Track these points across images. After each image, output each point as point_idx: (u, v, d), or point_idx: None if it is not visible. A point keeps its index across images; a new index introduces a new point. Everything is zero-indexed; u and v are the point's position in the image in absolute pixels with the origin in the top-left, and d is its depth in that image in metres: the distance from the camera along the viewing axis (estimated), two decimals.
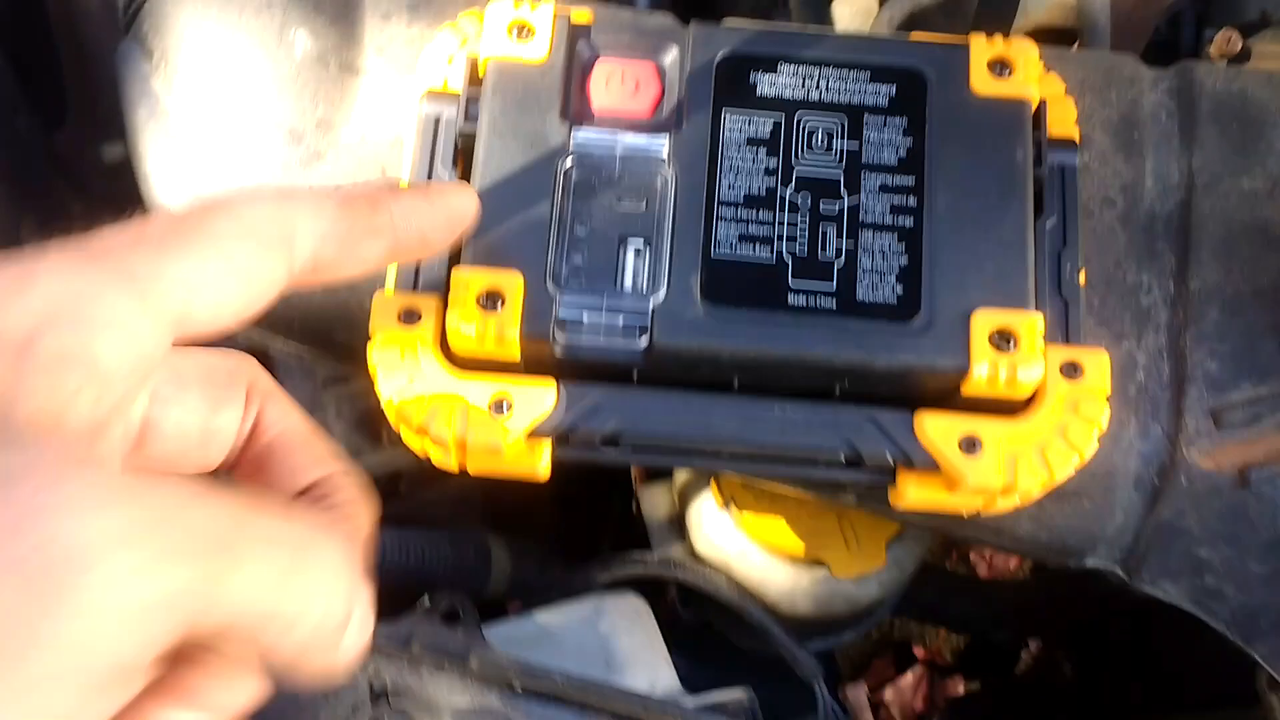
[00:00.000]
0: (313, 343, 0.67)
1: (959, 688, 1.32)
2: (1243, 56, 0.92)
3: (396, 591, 0.88)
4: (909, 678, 1.40)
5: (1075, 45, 0.87)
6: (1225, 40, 0.91)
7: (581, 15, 0.60)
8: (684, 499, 0.82)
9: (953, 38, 0.60)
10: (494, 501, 0.96)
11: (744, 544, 0.76)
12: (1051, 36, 0.88)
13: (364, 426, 0.86)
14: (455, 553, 0.89)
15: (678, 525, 0.83)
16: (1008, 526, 0.62)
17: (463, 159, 0.58)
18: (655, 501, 0.84)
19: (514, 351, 0.54)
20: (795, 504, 0.74)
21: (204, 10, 0.65)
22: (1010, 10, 0.87)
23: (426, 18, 0.67)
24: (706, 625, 0.85)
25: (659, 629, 0.75)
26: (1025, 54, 0.58)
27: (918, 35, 0.61)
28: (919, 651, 1.38)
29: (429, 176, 0.58)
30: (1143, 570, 0.63)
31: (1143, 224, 0.64)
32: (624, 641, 0.72)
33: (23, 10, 0.93)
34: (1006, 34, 0.88)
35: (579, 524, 0.95)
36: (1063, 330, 0.56)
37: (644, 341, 0.54)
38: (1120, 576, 0.63)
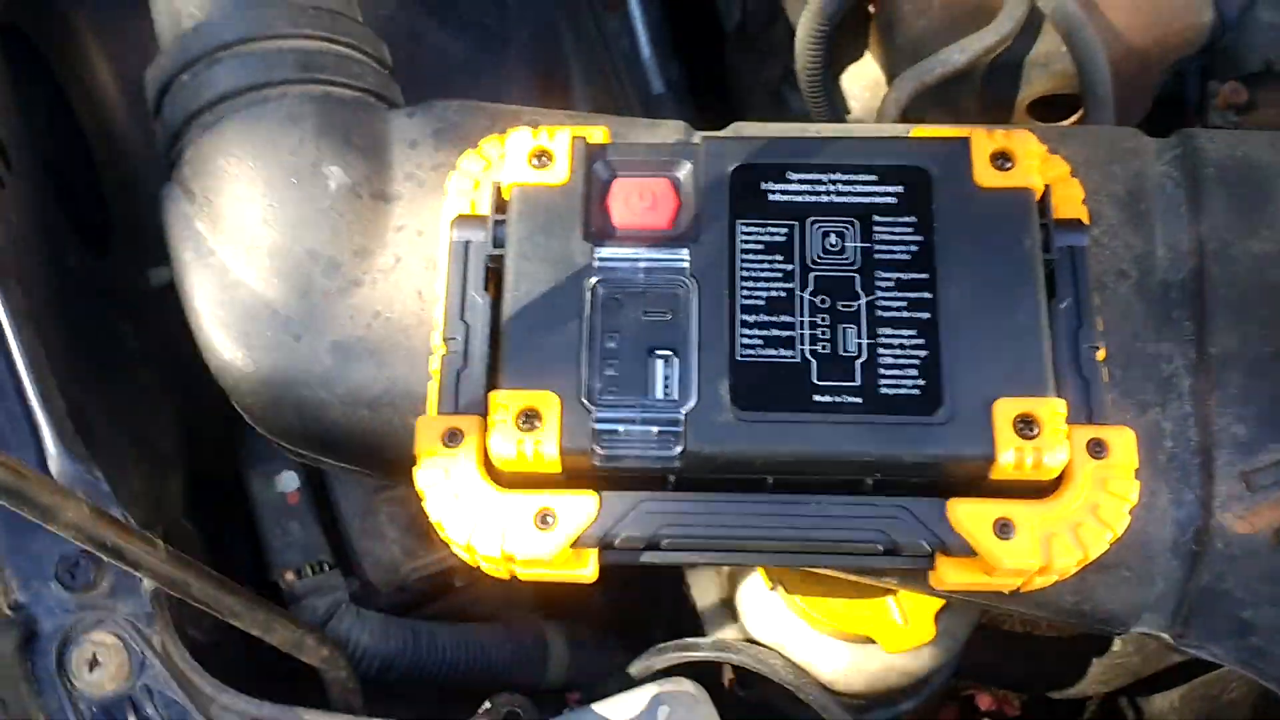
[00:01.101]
0: (361, 462, 0.70)
1: None
2: (1248, 107, 0.94)
3: (459, 687, 0.91)
4: None
5: (1079, 112, 0.89)
6: (1231, 92, 0.93)
7: (599, 134, 0.63)
8: (732, 581, 0.83)
9: (954, 130, 0.62)
10: (546, 589, 0.98)
11: (795, 624, 0.78)
12: (1054, 104, 0.91)
13: (416, 529, 0.89)
14: (514, 645, 0.91)
15: (728, 607, 0.84)
16: (1050, 599, 0.63)
17: (494, 280, 0.61)
18: (704, 585, 0.85)
19: (554, 467, 0.56)
20: (843, 582, 0.76)
21: (241, 152, 0.68)
22: (1012, 83, 0.89)
23: (452, 141, 0.71)
24: (764, 704, 0.86)
25: (716, 713, 0.76)
26: (1025, 145, 0.60)
27: (920, 130, 0.63)
28: (984, 701, 1.37)
29: (462, 300, 0.61)
30: (1189, 634, 0.63)
31: (1158, 294, 0.65)
32: None
33: (68, 147, 0.97)
34: (1011, 105, 0.91)
35: (632, 608, 0.97)
36: (1085, 409, 0.57)
37: (678, 449, 0.56)
38: (1168, 641, 0.64)
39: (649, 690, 0.76)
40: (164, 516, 0.83)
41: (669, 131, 0.71)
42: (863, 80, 1.07)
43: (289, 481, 0.87)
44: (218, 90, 0.69)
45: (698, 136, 0.71)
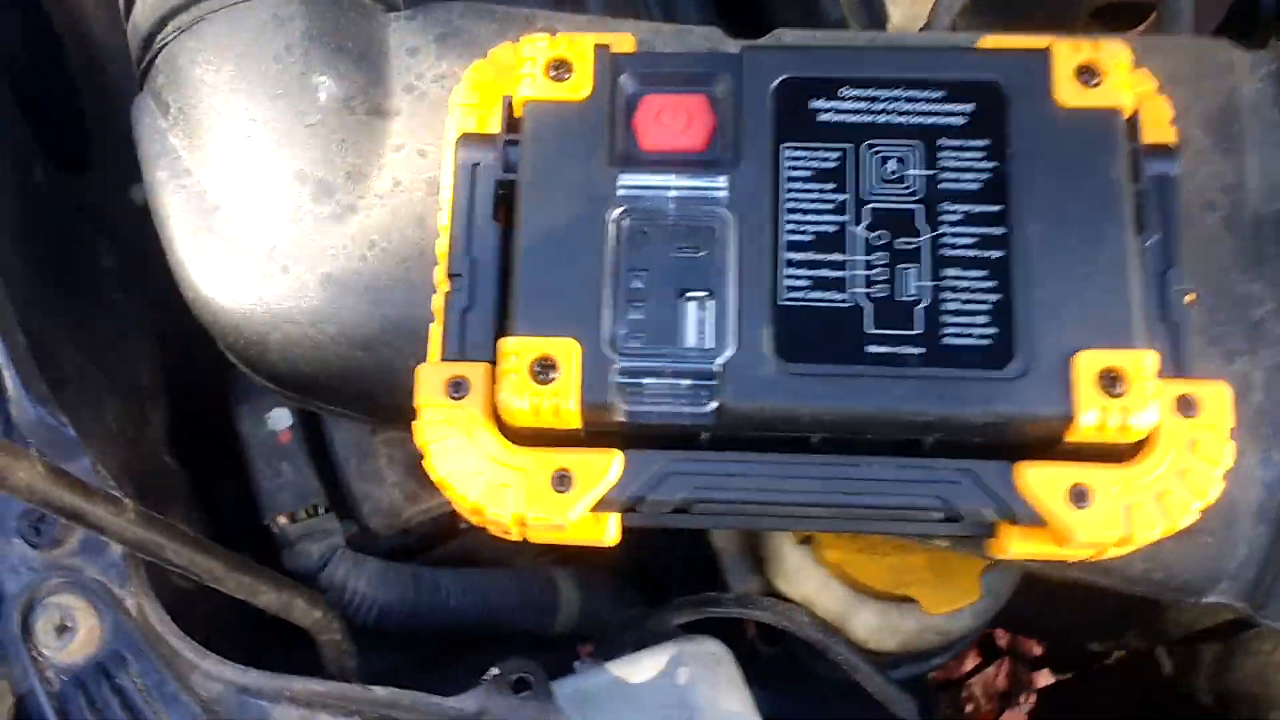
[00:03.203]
0: (356, 407, 0.64)
1: (1047, 680, 1.27)
2: None
3: (463, 635, 0.86)
4: (994, 672, 1.36)
5: (1151, 18, 0.81)
6: None
7: (624, 43, 0.55)
8: (758, 532, 0.77)
9: (1032, 40, 0.54)
10: None
11: (826, 580, 0.72)
12: (1120, 11, 0.82)
13: (417, 471, 0.83)
14: (522, 591, 0.86)
15: (752, 556, 0.78)
16: (1117, 566, 0.57)
17: (505, 207, 0.54)
18: (728, 534, 0.80)
19: (573, 422, 0.50)
20: (879, 539, 0.70)
21: (221, 60, 0.61)
22: None
23: (457, 49, 0.63)
24: (790, 658, 0.81)
25: (740, 673, 0.71)
26: (1115, 58, 0.52)
27: (991, 39, 0.56)
28: (1003, 639, 1.33)
29: (469, 230, 0.54)
30: (1269, 605, 0.58)
31: (1249, 228, 0.58)
32: (706, 694, 0.68)
33: (40, 56, 0.89)
34: (1074, 12, 0.83)
35: (647, 554, 0.91)
36: (1174, 361, 0.51)
37: (714, 405, 0.49)
38: (1245, 612, 0.58)
39: (669, 649, 0.71)
40: (144, 454, 0.77)
41: (700, 39, 0.63)
42: None
43: (281, 419, 0.81)
44: None
45: (735, 45, 0.63)
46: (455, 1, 0.65)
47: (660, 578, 0.89)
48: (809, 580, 0.73)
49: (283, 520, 0.80)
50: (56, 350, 0.66)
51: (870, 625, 0.72)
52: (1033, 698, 1.28)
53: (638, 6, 1.08)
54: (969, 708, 1.33)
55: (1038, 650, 1.26)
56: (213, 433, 0.85)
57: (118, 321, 0.80)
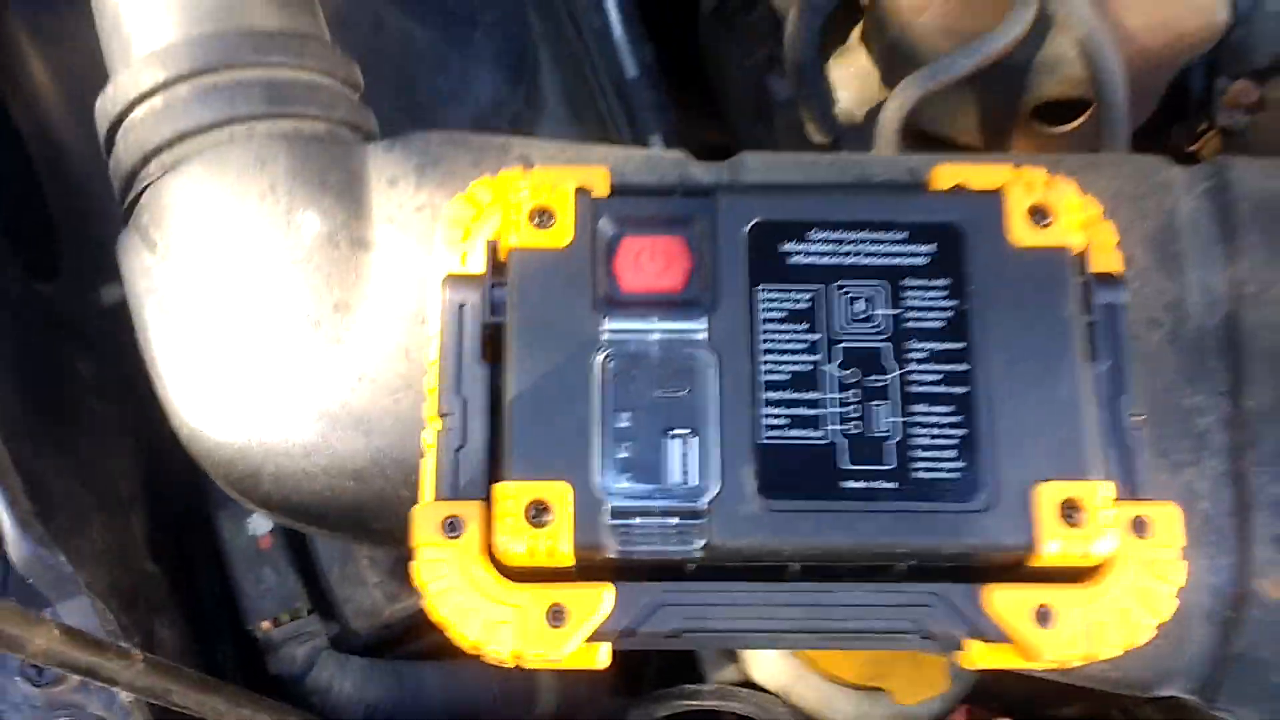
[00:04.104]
0: (347, 532, 0.65)
1: None
2: (1257, 106, 0.90)
3: None
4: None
5: (1084, 115, 0.85)
6: (1240, 91, 0.89)
7: (599, 180, 0.58)
8: None
9: (988, 173, 0.57)
10: None
11: (801, 672, 0.75)
12: (1060, 107, 0.87)
13: (398, 572, 0.85)
14: (500, 682, 0.87)
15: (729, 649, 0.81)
16: (1078, 668, 0.61)
17: (490, 345, 0.56)
18: None
19: (567, 562, 0.52)
20: None
21: (206, 200, 0.62)
22: (1018, 87, 0.85)
23: (434, 179, 0.65)
24: None
25: None
26: (1064, 199, 0.55)
27: (946, 169, 0.59)
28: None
29: (458, 371, 0.56)
30: (1218, 698, 0.61)
31: (1191, 342, 0.62)
32: None
33: (9, 164, 0.90)
34: (1016, 109, 0.87)
35: None
36: (1129, 484, 0.54)
37: (702, 541, 0.52)
38: (1195, 703, 0.62)
39: None
40: (128, 566, 0.78)
41: (670, 166, 0.66)
42: (853, 68, 1.02)
43: (261, 524, 0.82)
44: (177, 127, 0.63)
45: (702, 169, 0.66)
46: (432, 132, 0.67)
47: (638, 667, 0.91)
48: (785, 671, 0.76)
49: (266, 625, 0.81)
50: (44, 478, 0.67)
51: (845, 715, 0.75)
52: None
53: (599, 107, 1.12)
54: None
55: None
56: (194, 534, 0.86)
57: (98, 433, 0.81)
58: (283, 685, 0.81)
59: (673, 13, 1.20)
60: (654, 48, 1.23)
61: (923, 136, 0.95)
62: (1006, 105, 0.87)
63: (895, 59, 0.91)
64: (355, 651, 0.83)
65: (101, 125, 0.66)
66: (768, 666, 0.76)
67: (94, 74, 0.68)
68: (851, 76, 1.03)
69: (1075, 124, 0.87)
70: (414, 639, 0.89)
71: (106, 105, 0.65)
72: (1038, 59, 0.83)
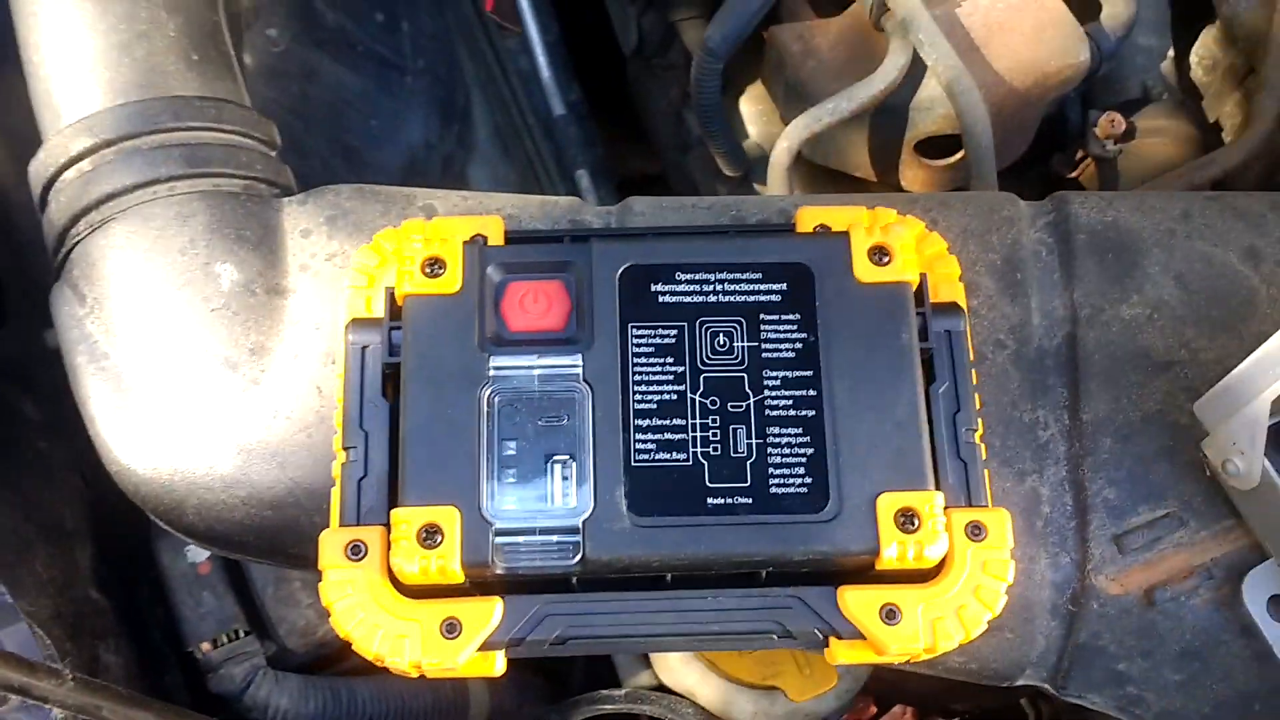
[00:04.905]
0: (267, 557, 0.71)
1: None
2: (1128, 135, 0.97)
3: None
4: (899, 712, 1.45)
5: (962, 151, 0.92)
6: (1109, 123, 0.96)
7: (494, 229, 0.63)
8: None
9: (842, 215, 0.63)
10: None
11: (704, 673, 0.80)
12: (941, 143, 0.93)
13: None
14: (433, 694, 0.92)
15: (643, 655, 0.87)
16: (940, 660, 0.66)
17: (391, 385, 0.62)
18: None
19: (457, 579, 0.58)
20: None
21: (131, 256, 0.68)
22: (899, 125, 0.91)
23: (345, 229, 0.71)
24: None
25: None
26: (902, 239, 0.62)
27: (809, 212, 0.64)
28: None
29: (361, 406, 0.61)
30: (1069, 685, 0.67)
31: (1033, 362, 0.68)
32: None
33: None
34: (899, 145, 0.93)
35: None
36: (965, 492, 0.60)
37: (577, 557, 0.57)
38: (1050, 691, 0.68)
39: None
40: (72, 595, 0.83)
41: (564, 211, 0.72)
42: (760, 105, 1.08)
43: (199, 552, 0.87)
44: (103, 189, 0.69)
45: (592, 212, 0.72)
46: (342, 185, 0.73)
47: (562, 674, 0.97)
48: (690, 674, 0.81)
49: (206, 647, 0.86)
50: None
51: (746, 713, 0.80)
52: None
53: (528, 145, 1.18)
54: None
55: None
56: (137, 562, 0.91)
57: (42, 469, 0.86)
58: (223, 704, 0.86)
59: (601, 53, 1.27)
60: (580, 87, 1.30)
61: (824, 170, 1.02)
62: (891, 141, 0.93)
63: (790, 99, 0.98)
64: (292, 669, 0.88)
65: (35, 186, 0.71)
66: (675, 670, 0.82)
67: (37, 132, 0.73)
68: (758, 114, 1.09)
69: (955, 158, 0.94)
70: (349, 656, 0.94)
71: (39, 168, 0.71)
72: (914, 101, 0.90)
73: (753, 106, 1.09)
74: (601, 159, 1.29)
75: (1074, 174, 1.03)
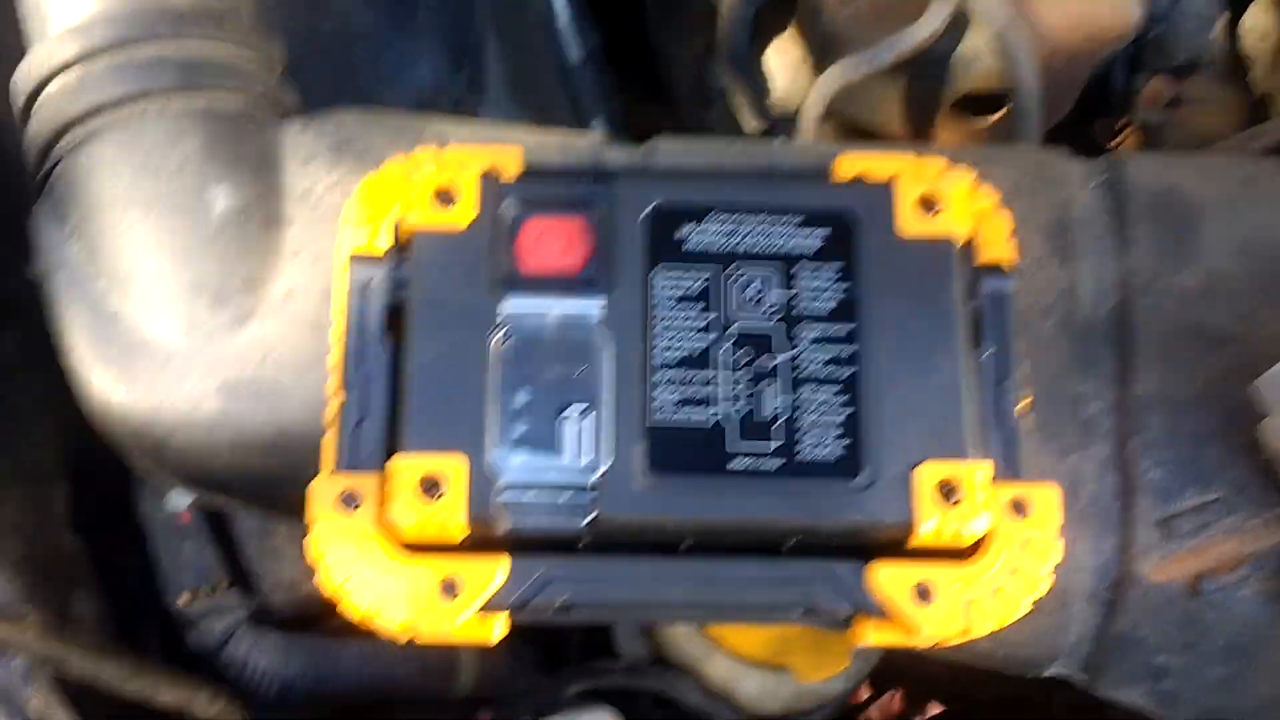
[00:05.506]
0: (253, 504, 0.66)
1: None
2: (1174, 103, 0.93)
3: (365, 701, 0.88)
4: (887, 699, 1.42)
5: (1004, 109, 0.87)
6: (1156, 89, 0.91)
7: (511, 162, 0.58)
8: None
9: (888, 161, 0.58)
10: None
11: (710, 649, 0.76)
12: (979, 100, 0.88)
13: None
14: (420, 657, 0.88)
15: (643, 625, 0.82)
16: (967, 646, 0.62)
17: (394, 326, 0.57)
18: None
19: (459, 535, 0.53)
20: None
21: (118, 175, 0.63)
22: (937, 80, 0.87)
23: (350, 158, 0.66)
24: None
25: None
26: (954, 189, 0.57)
27: (849, 157, 0.60)
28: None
29: (361, 346, 0.57)
30: (1102, 678, 0.63)
31: (1081, 331, 0.64)
32: None
33: None
34: (936, 101, 0.89)
35: None
36: (1009, 464, 0.56)
37: (590, 516, 0.53)
38: (1081, 682, 0.64)
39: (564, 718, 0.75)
40: (46, 540, 0.78)
41: (584, 150, 0.67)
42: (788, 57, 1.03)
43: (180, 499, 0.83)
44: (91, 101, 0.63)
45: (616, 153, 0.67)
46: (349, 111, 0.68)
47: (556, 640, 0.93)
48: (695, 649, 0.77)
49: (184, 599, 0.82)
50: None
51: (751, 693, 0.76)
52: None
53: (542, 92, 1.13)
54: None
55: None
56: (116, 510, 0.86)
57: (21, 409, 0.81)
58: (200, 660, 0.81)
59: (620, 1, 1.21)
60: (599, 34, 1.24)
61: (853, 126, 0.97)
62: (929, 97, 0.89)
63: (824, 49, 0.93)
64: (275, 626, 0.84)
65: (17, 99, 0.66)
66: (678, 644, 0.78)
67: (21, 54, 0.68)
68: (787, 65, 1.04)
69: (996, 117, 0.89)
70: (334, 615, 0.89)
71: (21, 78, 0.65)
72: (956, 53, 0.85)
73: (780, 59, 1.04)
74: (619, 110, 1.24)
75: (1115, 142, 0.98)
